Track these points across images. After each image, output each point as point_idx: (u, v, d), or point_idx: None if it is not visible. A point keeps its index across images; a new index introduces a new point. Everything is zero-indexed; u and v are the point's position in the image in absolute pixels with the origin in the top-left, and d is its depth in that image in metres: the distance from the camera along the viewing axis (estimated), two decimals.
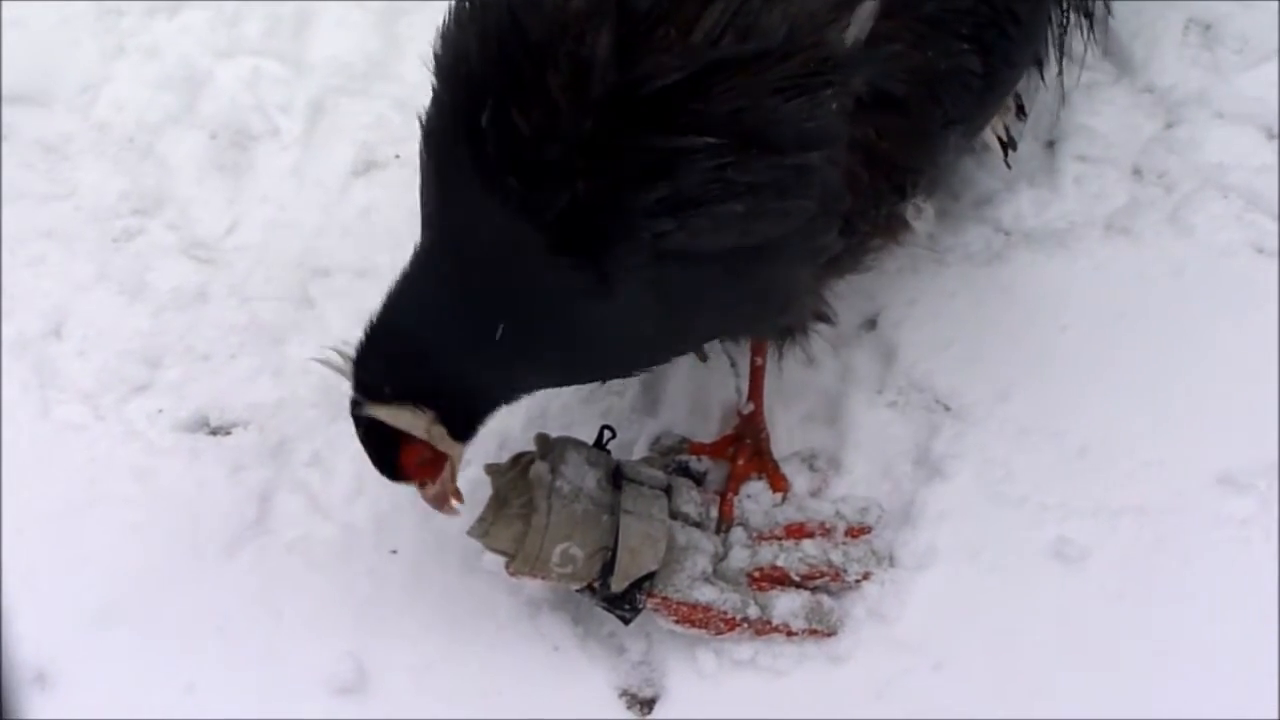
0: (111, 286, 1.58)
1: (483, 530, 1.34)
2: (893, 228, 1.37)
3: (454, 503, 1.31)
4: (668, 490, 1.39)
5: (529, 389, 1.30)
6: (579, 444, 1.38)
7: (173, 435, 1.49)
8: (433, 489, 1.28)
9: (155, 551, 1.42)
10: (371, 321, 1.23)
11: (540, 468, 1.34)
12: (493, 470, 1.37)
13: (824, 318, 1.37)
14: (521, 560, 1.33)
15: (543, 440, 1.37)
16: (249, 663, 1.38)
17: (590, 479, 1.35)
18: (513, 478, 1.35)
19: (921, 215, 1.38)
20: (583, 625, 1.40)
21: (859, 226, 1.28)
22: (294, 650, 1.38)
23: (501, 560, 1.36)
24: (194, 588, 1.40)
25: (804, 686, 1.37)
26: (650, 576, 1.35)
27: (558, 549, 1.32)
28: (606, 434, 1.41)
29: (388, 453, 1.25)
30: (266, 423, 1.50)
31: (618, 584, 1.34)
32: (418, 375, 1.21)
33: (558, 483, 1.34)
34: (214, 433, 1.51)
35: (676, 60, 1.12)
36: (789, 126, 1.15)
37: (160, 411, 1.51)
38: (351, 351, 1.24)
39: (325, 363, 1.24)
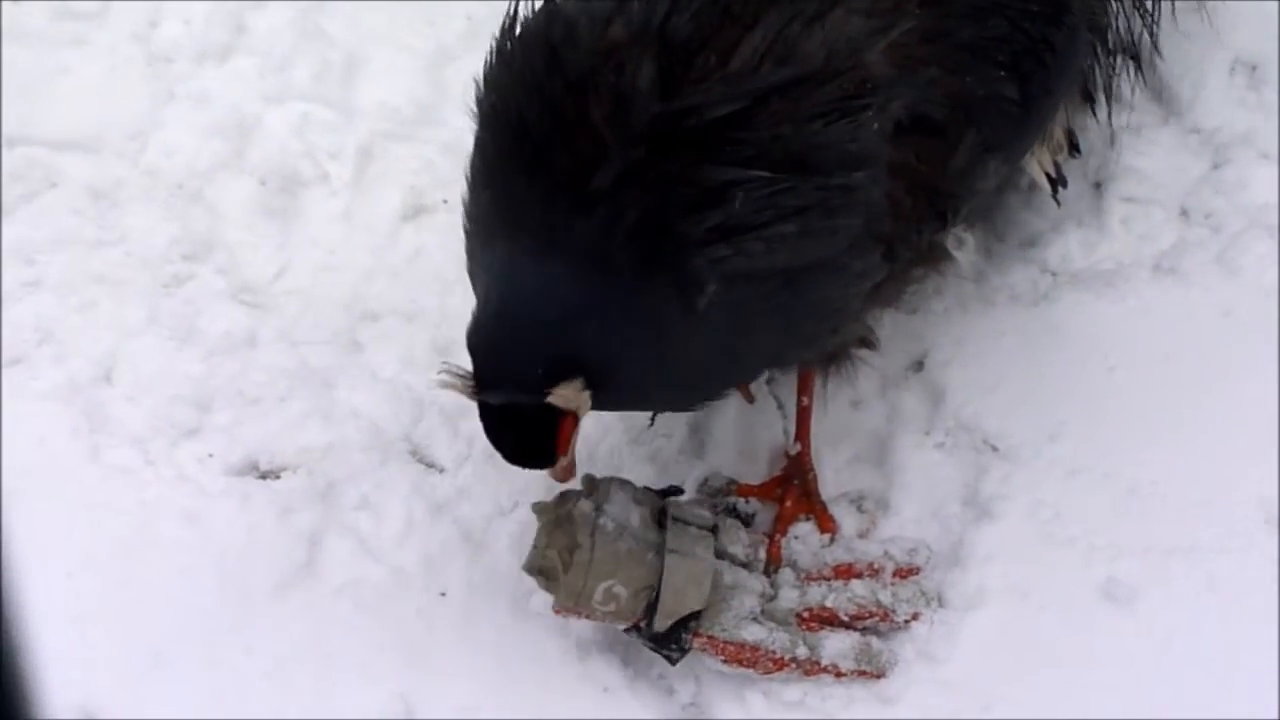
0: (162, 331, 1.59)
1: (534, 564, 1.35)
2: (934, 256, 1.39)
3: (574, 472, 1.31)
4: (714, 530, 1.40)
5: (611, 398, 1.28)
6: (625, 483, 1.39)
7: (223, 479, 1.50)
8: (564, 460, 1.27)
9: (205, 595, 1.43)
10: (483, 325, 1.21)
11: (584, 505, 1.35)
12: (539, 509, 1.37)
13: (869, 344, 1.39)
14: (565, 595, 1.34)
15: (589, 480, 1.38)
16: (299, 706, 1.37)
17: (635, 517, 1.36)
18: (558, 516, 1.36)
19: (963, 245, 1.40)
20: (632, 667, 1.41)
21: (901, 253, 1.29)
22: (343, 693, 1.38)
23: (549, 601, 1.37)
24: (243, 631, 1.41)
25: None
26: (696, 616, 1.35)
27: (601, 586, 1.33)
28: (668, 492, 1.42)
29: (545, 437, 1.23)
30: (315, 466, 1.51)
31: (661, 623, 1.35)
32: (563, 345, 1.19)
33: (601, 520, 1.34)
34: (263, 476, 1.52)
35: (722, 91, 1.15)
36: (833, 149, 1.17)
37: (210, 456, 1.52)
38: (462, 364, 1.21)
39: (448, 385, 1.22)
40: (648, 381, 1.26)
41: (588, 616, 1.36)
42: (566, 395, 1.19)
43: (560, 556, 1.34)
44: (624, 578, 1.34)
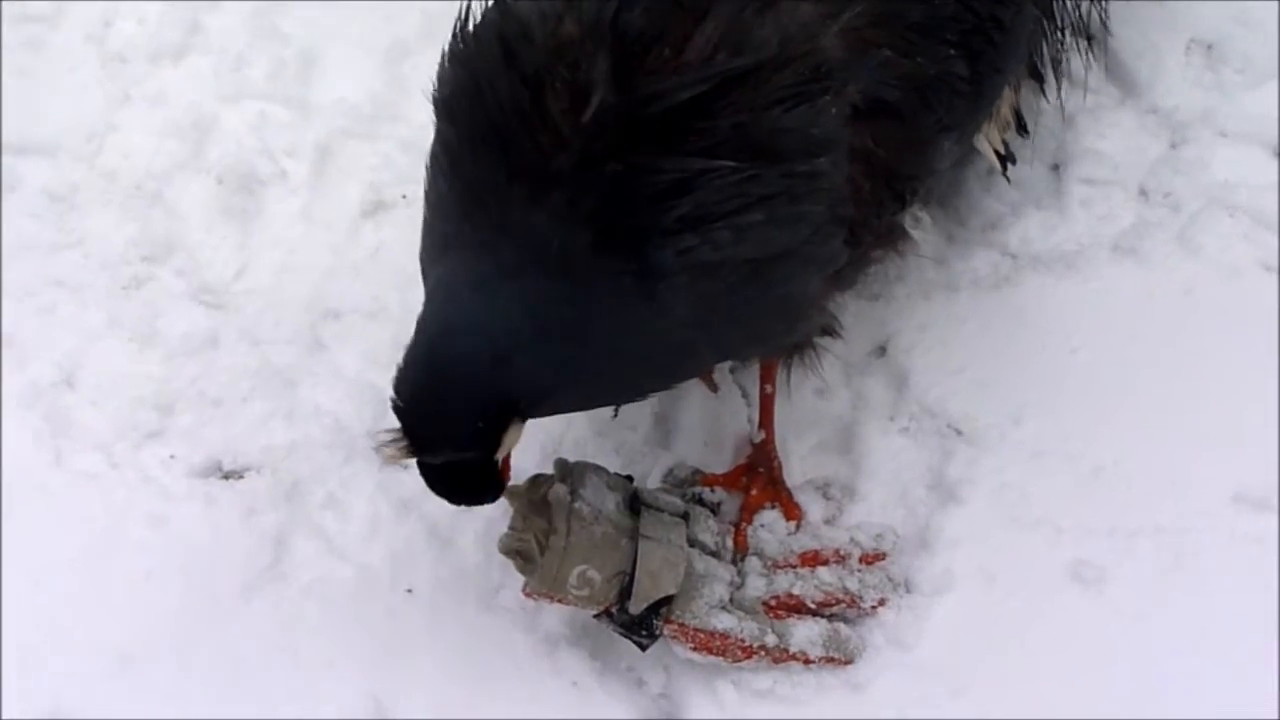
0: (122, 334, 1.60)
1: (508, 546, 1.36)
2: (894, 237, 1.40)
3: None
4: (685, 518, 1.41)
5: (565, 400, 1.29)
6: (598, 468, 1.40)
7: (186, 481, 1.51)
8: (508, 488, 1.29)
9: (171, 598, 1.44)
10: (410, 380, 1.19)
11: (560, 489, 1.36)
12: (513, 492, 1.37)
13: (831, 331, 1.40)
14: (539, 579, 1.35)
15: (562, 464, 1.40)
16: (268, 706, 1.38)
17: (610, 502, 1.37)
18: (531, 500, 1.37)
19: (921, 224, 1.41)
20: (601, 660, 1.42)
21: (862, 236, 1.31)
22: (313, 692, 1.39)
23: (518, 592, 1.38)
24: (210, 633, 1.42)
25: (824, 716, 1.38)
26: (668, 602, 1.36)
27: (575, 571, 1.34)
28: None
29: (490, 481, 1.24)
30: (280, 466, 1.52)
31: (636, 606, 1.35)
32: (498, 391, 1.17)
33: (576, 504, 1.35)
34: (227, 477, 1.53)
35: (677, 80, 1.16)
36: (795, 135, 1.19)
37: (173, 458, 1.53)
38: (411, 444, 1.20)
39: (387, 457, 1.21)
40: (598, 384, 1.27)
41: (560, 601, 1.36)
42: (511, 440, 1.20)
43: (536, 540, 1.35)
44: (599, 563, 1.35)
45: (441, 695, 1.40)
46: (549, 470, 1.40)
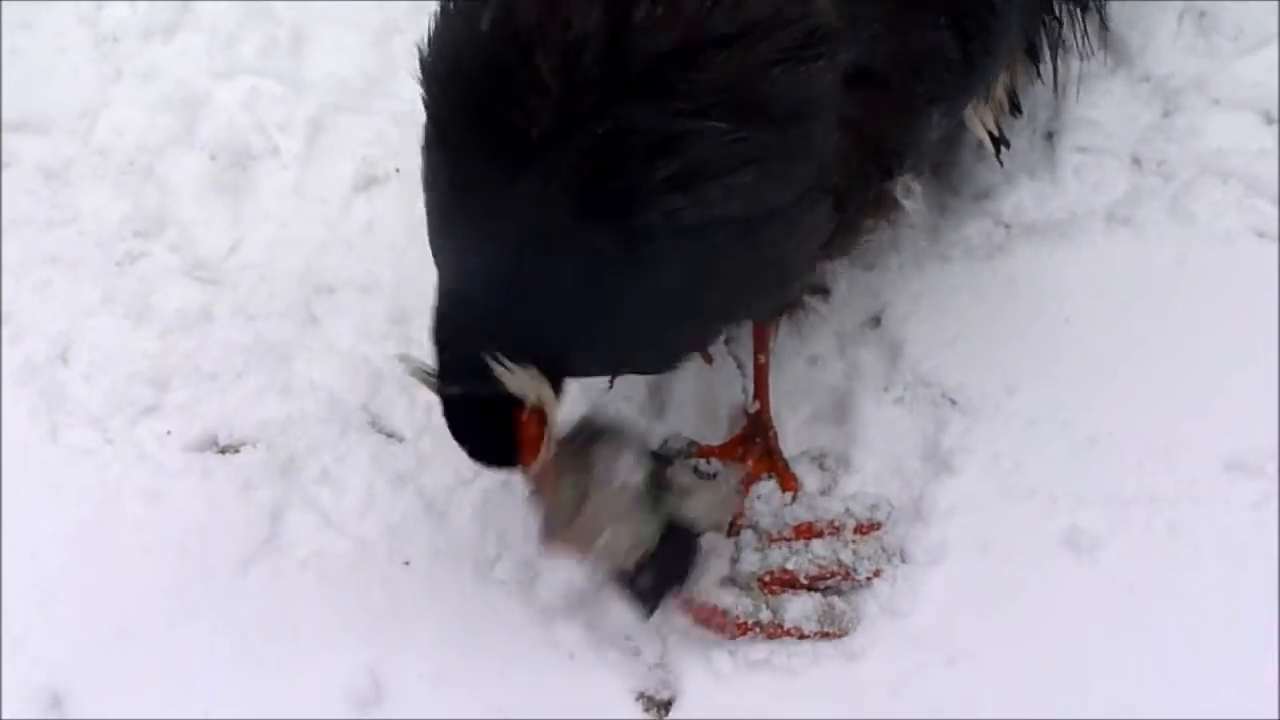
0: (117, 310, 1.60)
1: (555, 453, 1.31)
2: (884, 206, 1.40)
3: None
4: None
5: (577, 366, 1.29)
6: (633, 437, 1.37)
7: (182, 456, 1.52)
8: (537, 464, 1.26)
9: (168, 573, 1.44)
10: (439, 315, 1.22)
11: (603, 449, 1.33)
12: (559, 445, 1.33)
13: (822, 290, 1.42)
14: (572, 531, 1.32)
15: (588, 425, 1.36)
16: (265, 680, 1.39)
17: (637, 478, 1.34)
18: (568, 456, 1.33)
19: (911, 194, 1.41)
20: (597, 631, 1.43)
21: (850, 203, 1.31)
22: (310, 666, 1.40)
23: (515, 568, 1.39)
24: (207, 607, 1.43)
25: (819, 685, 1.39)
26: (684, 577, 1.35)
27: (606, 531, 1.32)
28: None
29: (504, 430, 1.22)
30: (275, 440, 1.52)
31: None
32: (510, 329, 1.19)
33: (617, 465, 1.32)
34: (223, 452, 1.53)
35: (669, 36, 1.16)
36: (788, 97, 1.19)
37: (169, 433, 1.53)
38: (425, 358, 1.22)
39: (418, 379, 1.23)
40: (600, 348, 1.27)
41: (582, 556, 1.34)
42: (517, 381, 1.19)
43: (570, 488, 1.32)
44: (626, 529, 1.32)
45: (438, 667, 1.41)
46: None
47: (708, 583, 1.38)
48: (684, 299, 1.25)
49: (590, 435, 1.35)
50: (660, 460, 1.40)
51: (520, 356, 1.19)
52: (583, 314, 1.21)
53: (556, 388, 1.23)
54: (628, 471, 1.34)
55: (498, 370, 1.18)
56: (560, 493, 1.33)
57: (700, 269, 1.22)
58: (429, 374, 1.22)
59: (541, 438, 1.24)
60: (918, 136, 1.36)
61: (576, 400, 1.51)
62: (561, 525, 1.33)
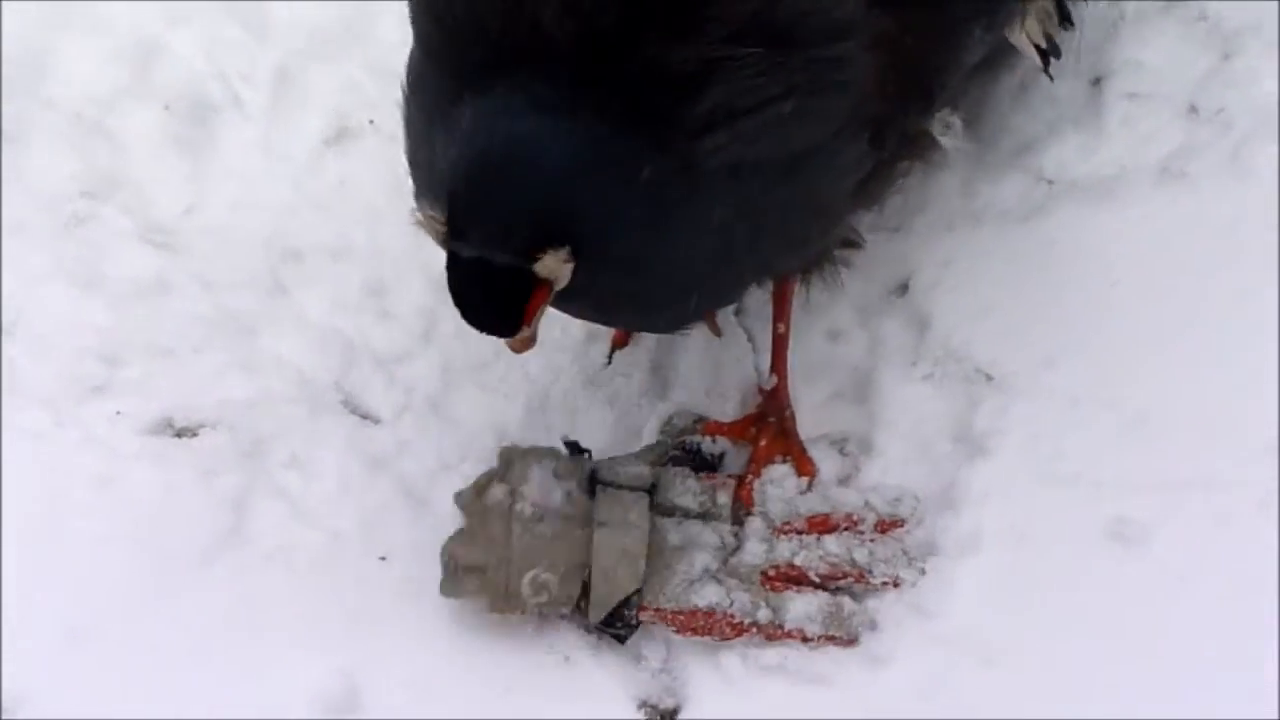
0: (64, 278, 1.59)
1: (451, 586, 1.38)
2: (921, 145, 1.40)
3: (535, 342, 1.29)
4: (652, 488, 1.41)
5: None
6: (546, 454, 1.41)
7: (135, 439, 1.50)
8: (527, 331, 1.24)
9: (122, 567, 1.43)
10: (468, 162, 1.19)
11: (497, 492, 1.38)
12: (462, 502, 1.40)
13: (853, 244, 1.40)
14: (493, 598, 1.36)
15: (506, 456, 1.41)
16: (229, 683, 1.38)
17: (558, 494, 1.38)
18: (478, 508, 1.39)
19: (950, 130, 1.40)
20: (595, 634, 1.41)
21: (888, 137, 1.30)
22: (278, 669, 1.39)
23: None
24: (166, 604, 1.41)
25: (840, 692, 1.37)
26: (637, 593, 1.37)
27: (526, 578, 1.35)
28: (570, 449, 1.44)
29: (513, 304, 1.20)
30: (238, 422, 1.51)
31: (595, 614, 1.37)
32: (559, 203, 1.18)
33: (518, 506, 1.37)
34: (180, 435, 1.52)
35: None
36: (816, 18, 1.19)
37: (120, 414, 1.52)
38: (438, 207, 1.19)
39: (418, 223, 1.21)
40: (636, 270, 1.25)
41: (523, 612, 1.38)
42: (551, 265, 1.17)
43: (477, 560, 1.36)
44: (549, 563, 1.36)
45: (419, 672, 1.39)
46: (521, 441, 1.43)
47: (679, 585, 1.38)
48: (723, 244, 1.24)
49: (490, 480, 1.39)
50: (588, 458, 1.42)
51: (560, 237, 1.17)
52: (630, 229, 1.20)
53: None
54: (540, 496, 1.37)
55: (546, 257, 1.16)
56: (465, 572, 1.37)
57: (738, 213, 1.22)
58: (440, 222, 1.19)
59: (543, 306, 1.22)
60: (960, 54, 1.35)
61: (571, 378, 1.54)
62: (484, 589, 1.37)
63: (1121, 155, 1.58)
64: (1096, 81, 1.62)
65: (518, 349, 1.27)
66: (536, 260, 1.16)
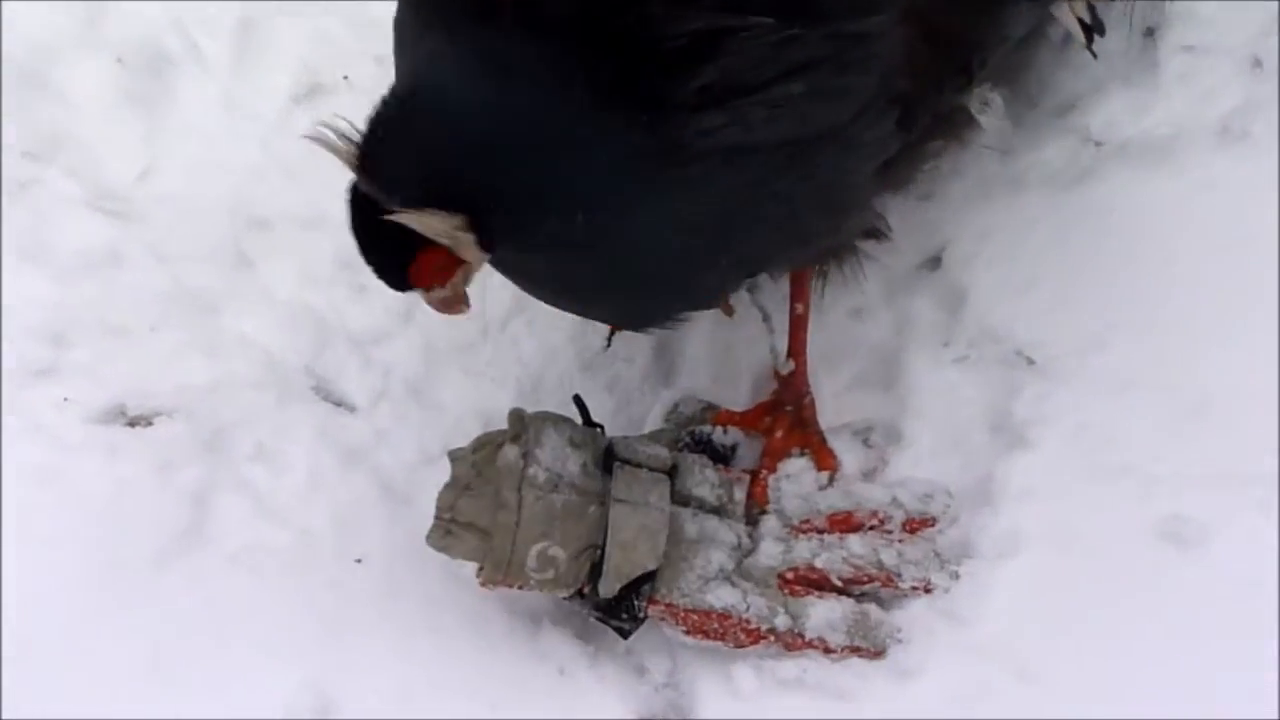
0: (4, 250, 1.56)
1: (441, 537, 1.34)
2: (956, 123, 1.38)
3: (465, 307, 1.29)
4: (671, 471, 1.39)
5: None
6: (561, 421, 1.38)
7: (83, 428, 1.48)
8: (441, 293, 1.24)
9: (70, 569, 1.40)
10: (395, 99, 1.20)
11: (510, 453, 1.34)
12: (455, 456, 1.36)
13: (878, 235, 1.38)
14: (491, 567, 1.33)
15: (516, 418, 1.37)
16: (188, 697, 1.35)
17: (573, 463, 1.35)
18: (478, 463, 1.35)
19: (990, 108, 1.38)
20: (593, 643, 1.40)
21: (919, 117, 1.28)
22: (242, 681, 1.36)
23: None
24: (119, 611, 1.39)
25: (865, 708, 1.35)
26: (650, 577, 1.35)
27: (533, 550, 1.32)
28: (581, 411, 1.41)
29: (396, 258, 1.21)
30: (198, 409, 1.49)
31: (609, 586, 1.34)
32: (459, 172, 1.17)
33: (531, 470, 1.33)
34: (133, 424, 1.50)
35: None
36: None
37: (66, 400, 1.49)
38: (357, 132, 1.19)
39: (321, 141, 1.19)
40: (595, 257, 1.23)
41: (521, 587, 1.35)
42: (436, 227, 1.16)
43: (478, 519, 1.33)
44: (561, 537, 1.33)
45: (398, 685, 1.37)
46: (514, 427, 1.37)
47: (695, 581, 1.36)
48: (714, 238, 1.23)
49: (500, 439, 1.36)
50: (603, 433, 1.40)
51: (451, 203, 1.16)
52: (566, 208, 1.18)
53: (487, 249, 1.22)
54: (555, 463, 1.34)
55: (431, 217, 1.16)
56: (467, 526, 1.35)
57: (732, 202, 1.20)
58: (350, 145, 1.17)
59: (447, 272, 1.22)
60: (1002, 28, 1.33)
61: (567, 362, 1.54)
62: (482, 557, 1.34)
63: (1178, 114, 1.57)
64: (1149, 33, 1.62)
65: (440, 309, 1.26)
66: (401, 213, 1.16)
